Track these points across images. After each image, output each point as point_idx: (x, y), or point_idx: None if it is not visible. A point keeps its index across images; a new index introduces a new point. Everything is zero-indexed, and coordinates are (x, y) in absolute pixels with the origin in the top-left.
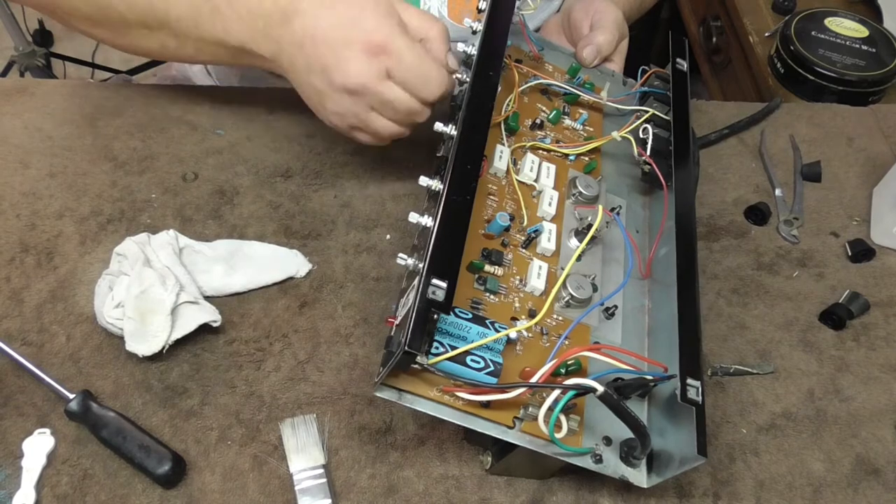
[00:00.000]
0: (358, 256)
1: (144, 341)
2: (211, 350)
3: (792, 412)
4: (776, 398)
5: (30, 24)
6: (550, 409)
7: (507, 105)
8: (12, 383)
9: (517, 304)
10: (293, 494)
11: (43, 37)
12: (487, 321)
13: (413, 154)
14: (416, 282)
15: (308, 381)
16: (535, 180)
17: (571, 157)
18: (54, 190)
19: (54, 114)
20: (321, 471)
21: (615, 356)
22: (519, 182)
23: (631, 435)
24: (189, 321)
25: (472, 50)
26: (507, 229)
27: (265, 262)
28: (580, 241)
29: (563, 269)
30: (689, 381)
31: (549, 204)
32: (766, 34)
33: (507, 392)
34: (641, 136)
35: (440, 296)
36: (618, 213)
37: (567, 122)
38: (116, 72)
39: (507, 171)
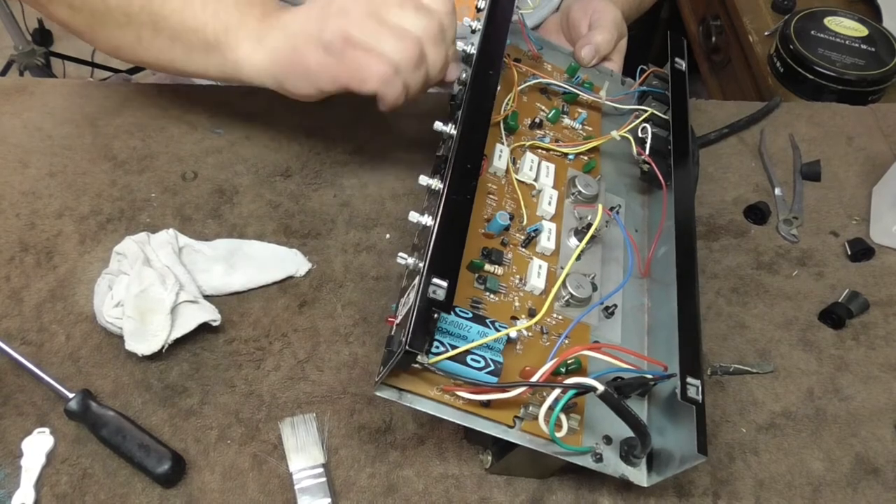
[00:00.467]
0: (357, 256)
1: (144, 340)
2: (210, 349)
3: (791, 411)
4: (776, 397)
5: (29, 24)
6: (551, 408)
7: (507, 104)
8: (12, 382)
9: (517, 304)
10: (293, 493)
11: (42, 36)
12: (488, 320)
13: (413, 153)
14: (416, 281)
15: (308, 381)
16: (535, 179)
17: (571, 157)
18: (54, 189)
19: (54, 113)
20: (321, 470)
21: (615, 355)
22: (518, 181)
23: (631, 434)
24: (189, 320)
25: (472, 49)
26: (506, 228)
27: (265, 262)
28: (580, 241)
29: (562, 268)
30: (689, 379)
31: (549, 203)
32: (766, 33)
33: (507, 391)
34: (640, 135)
35: (441, 295)
36: (617, 213)
37: (566, 121)
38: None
39: (507, 171)
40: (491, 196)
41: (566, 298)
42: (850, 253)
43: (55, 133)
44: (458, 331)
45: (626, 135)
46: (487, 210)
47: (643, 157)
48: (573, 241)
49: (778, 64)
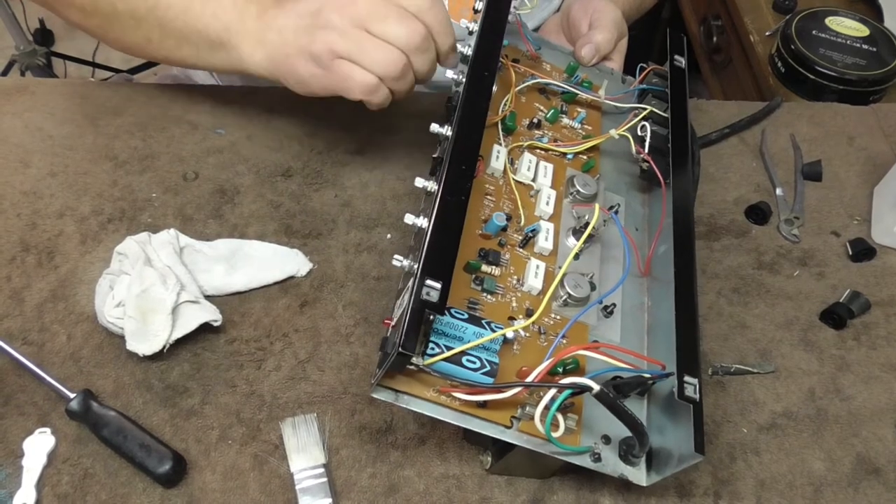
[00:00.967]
0: (358, 256)
1: (145, 340)
2: (212, 349)
3: (792, 411)
4: (777, 397)
5: (31, 24)
6: (546, 407)
7: (504, 105)
8: (13, 382)
9: (514, 304)
10: (294, 494)
11: (44, 36)
12: (483, 321)
13: (414, 153)
14: (410, 283)
15: (309, 381)
16: (533, 179)
17: (569, 156)
18: (55, 189)
19: (55, 113)
20: (322, 470)
21: (613, 354)
22: (516, 181)
23: (629, 433)
24: (190, 320)
25: (468, 50)
26: (504, 229)
27: (266, 262)
28: (578, 240)
29: (560, 268)
30: (687, 378)
31: (547, 203)
32: (767, 33)
33: (503, 392)
34: (640, 133)
35: (434, 297)
36: (616, 212)
37: (565, 120)
38: (117, 71)
39: (504, 171)
40: (488, 197)
41: (564, 298)
42: (851, 253)
43: (56, 133)
44: (453, 332)
45: (625, 133)
46: (485, 211)
47: (642, 155)
48: (571, 240)
49: (779, 64)
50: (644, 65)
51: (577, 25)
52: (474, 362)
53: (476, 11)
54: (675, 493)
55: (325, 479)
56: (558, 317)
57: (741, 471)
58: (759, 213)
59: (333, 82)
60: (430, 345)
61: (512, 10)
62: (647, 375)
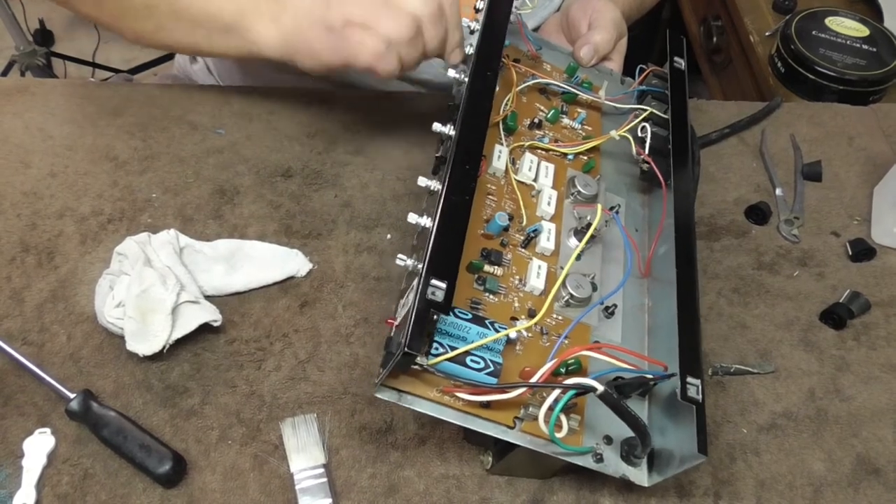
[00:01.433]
0: (358, 256)
1: (145, 341)
2: (211, 349)
3: (792, 412)
4: (777, 398)
5: (31, 24)
6: (550, 408)
7: (506, 105)
8: (13, 383)
9: (517, 304)
10: (294, 494)
11: (44, 36)
12: (487, 321)
13: (414, 154)
14: (415, 282)
15: (309, 381)
16: (534, 180)
17: (570, 157)
18: (55, 189)
19: (55, 113)
20: (322, 470)
21: (615, 355)
22: (518, 182)
23: (631, 434)
24: (190, 321)
25: (470, 50)
26: (506, 229)
27: (266, 262)
28: (579, 241)
29: (562, 268)
30: (689, 379)
31: (548, 203)
32: (767, 33)
33: (506, 392)
34: (640, 134)
35: (439, 296)
36: (617, 212)
37: (565, 121)
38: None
39: (506, 171)
40: (490, 197)
41: (566, 299)
42: (851, 253)
43: (56, 133)
44: (457, 332)
45: (625, 134)
46: (487, 211)
47: (643, 156)
48: (573, 241)
49: (779, 64)
50: (644, 66)
51: (576, 25)
52: (478, 362)
53: (477, 11)
54: (675, 493)
55: (324, 480)
56: (560, 317)
57: (741, 471)
58: (759, 214)
59: (345, 48)
60: (434, 345)
61: (513, 9)
62: (650, 376)
